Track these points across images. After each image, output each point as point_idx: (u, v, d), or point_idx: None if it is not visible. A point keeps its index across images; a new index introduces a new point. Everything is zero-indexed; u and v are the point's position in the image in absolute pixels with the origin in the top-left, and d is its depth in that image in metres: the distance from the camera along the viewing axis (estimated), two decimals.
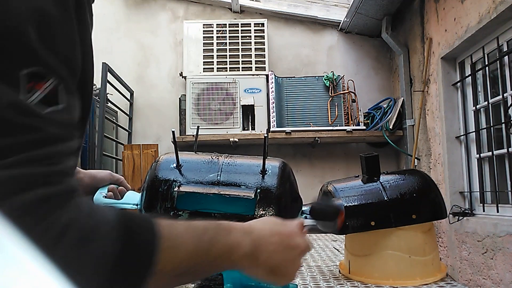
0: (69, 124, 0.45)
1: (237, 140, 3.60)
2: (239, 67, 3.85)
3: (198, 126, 1.10)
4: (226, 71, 3.84)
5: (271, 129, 3.60)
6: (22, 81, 0.39)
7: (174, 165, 0.84)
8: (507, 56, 2.35)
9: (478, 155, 2.68)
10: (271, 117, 3.66)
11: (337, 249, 1.56)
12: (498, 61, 2.44)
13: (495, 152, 2.50)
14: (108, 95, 3.62)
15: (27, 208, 0.38)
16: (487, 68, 2.57)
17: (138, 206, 0.85)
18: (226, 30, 3.92)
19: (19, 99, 0.39)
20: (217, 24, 3.93)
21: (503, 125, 2.39)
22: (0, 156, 0.38)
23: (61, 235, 0.40)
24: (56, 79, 0.42)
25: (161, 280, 0.48)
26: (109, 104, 3.78)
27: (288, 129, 3.62)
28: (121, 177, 0.96)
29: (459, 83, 2.87)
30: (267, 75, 3.78)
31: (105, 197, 0.88)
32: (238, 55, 3.88)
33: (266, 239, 0.60)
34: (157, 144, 3.76)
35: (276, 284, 0.64)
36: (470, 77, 2.78)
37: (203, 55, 3.87)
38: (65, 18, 0.44)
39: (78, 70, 0.47)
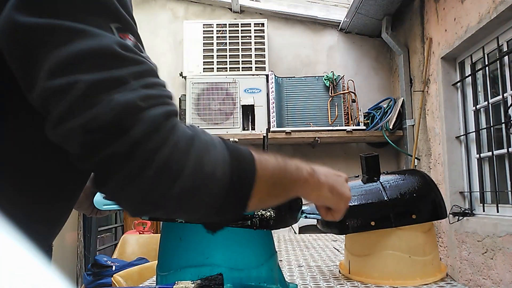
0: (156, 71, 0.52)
1: (237, 140, 3.60)
2: (239, 67, 3.85)
3: (198, 126, 1.10)
4: (226, 71, 3.84)
5: (271, 129, 3.60)
6: (114, 30, 0.48)
7: None
8: (507, 56, 2.35)
9: (478, 155, 2.69)
10: (271, 117, 3.66)
11: (337, 249, 1.56)
12: (498, 61, 2.44)
13: (495, 152, 2.50)
14: None
15: (158, 121, 0.46)
16: (487, 68, 2.57)
17: None
18: (226, 30, 3.92)
19: (122, 40, 0.47)
20: (217, 24, 3.93)
21: (503, 125, 2.39)
22: (123, 83, 0.45)
23: (191, 143, 0.48)
24: (135, 36, 0.51)
25: (259, 193, 0.54)
26: None
27: (288, 129, 3.62)
28: None
29: (459, 83, 2.87)
30: (267, 75, 3.78)
31: (105, 198, 0.88)
32: (238, 55, 3.88)
33: (317, 167, 0.68)
34: None
35: (338, 206, 0.70)
36: (470, 77, 2.78)
37: (203, 55, 3.87)
38: None
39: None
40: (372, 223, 0.98)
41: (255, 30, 3.91)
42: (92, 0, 0.47)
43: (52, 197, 0.57)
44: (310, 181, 0.63)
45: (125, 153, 0.44)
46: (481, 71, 2.67)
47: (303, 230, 3.48)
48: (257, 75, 3.82)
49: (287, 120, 3.74)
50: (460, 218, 2.63)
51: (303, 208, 0.87)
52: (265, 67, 3.84)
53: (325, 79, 3.78)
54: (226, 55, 3.88)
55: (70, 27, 0.44)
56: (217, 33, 3.91)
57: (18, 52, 0.45)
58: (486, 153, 2.62)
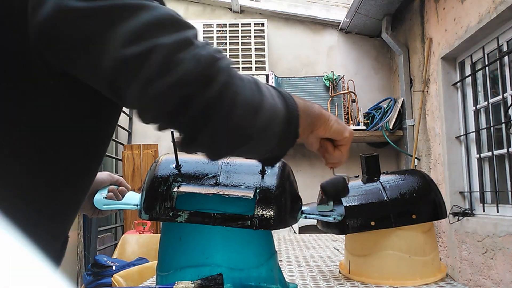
0: None
1: None
2: (239, 67, 3.85)
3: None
4: None
5: None
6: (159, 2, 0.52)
7: (174, 165, 0.84)
8: (507, 56, 2.35)
9: (478, 155, 2.69)
10: None
11: (337, 249, 1.56)
12: (498, 61, 2.44)
13: (495, 152, 2.50)
14: None
15: (231, 69, 0.52)
16: (487, 68, 2.57)
17: (138, 206, 0.85)
18: (226, 30, 3.92)
19: (172, 9, 0.51)
20: (217, 24, 3.93)
21: (503, 125, 2.39)
22: (192, 42, 0.49)
23: (258, 85, 0.56)
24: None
25: (301, 125, 0.62)
26: None
27: None
28: (121, 177, 0.96)
29: (459, 83, 2.87)
30: (267, 75, 3.78)
31: (106, 198, 0.89)
32: (238, 55, 3.88)
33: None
34: (157, 144, 3.76)
35: (344, 135, 0.73)
36: (470, 77, 2.78)
37: None
38: None
39: None
40: (372, 223, 0.98)
41: (255, 30, 3.92)
42: None
43: (67, 184, 0.60)
44: (321, 115, 0.69)
45: (217, 97, 0.49)
46: (481, 71, 2.67)
47: (303, 230, 3.48)
48: (257, 75, 3.81)
49: None
50: (460, 218, 2.63)
51: (303, 208, 0.87)
52: (265, 67, 3.84)
53: (325, 79, 3.78)
54: (226, 55, 3.88)
55: (128, 4, 0.48)
56: (217, 33, 3.91)
57: (80, 35, 0.47)
58: (486, 153, 2.62)
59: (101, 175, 0.92)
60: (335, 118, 0.73)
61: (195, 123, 0.51)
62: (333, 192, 0.81)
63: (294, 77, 3.89)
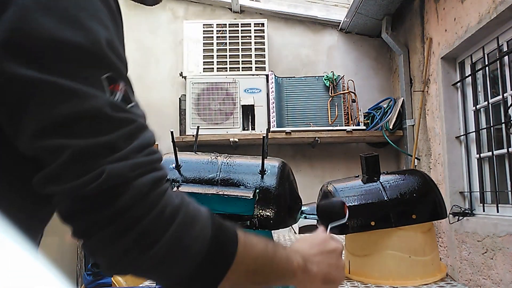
0: (144, 117, 0.52)
1: (237, 140, 3.60)
2: (239, 67, 3.85)
3: (198, 126, 1.10)
4: (226, 71, 3.84)
5: (271, 129, 3.60)
6: (105, 84, 0.47)
7: (174, 165, 0.84)
8: (507, 56, 2.35)
9: (478, 155, 2.68)
10: (271, 117, 3.66)
11: None
12: (498, 61, 2.44)
13: (495, 152, 2.50)
14: None
15: (145, 191, 0.46)
16: (487, 68, 2.57)
17: None
18: (226, 30, 3.92)
19: (113, 100, 0.47)
20: (217, 24, 3.93)
21: (503, 125, 2.39)
22: (113, 149, 0.45)
23: (176, 214, 0.48)
24: (125, 81, 0.50)
25: (235, 276, 0.53)
26: None
27: (288, 129, 3.62)
28: None
29: (459, 83, 2.87)
30: (267, 75, 3.78)
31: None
32: (238, 55, 3.87)
33: (310, 253, 0.66)
34: (157, 144, 3.76)
35: None
36: (470, 77, 2.78)
37: (203, 55, 3.87)
38: (119, 29, 0.52)
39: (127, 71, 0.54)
40: (372, 223, 0.98)
41: (255, 30, 3.91)
42: (84, 51, 0.46)
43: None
44: (299, 276, 0.61)
45: (108, 220, 0.45)
46: (481, 71, 2.67)
47: (303, 230, 3.48)
48: (257, 75, 3.81)
49: (287, 120, 3.74)
50: (460, 218, 2.63)
51: (303, 208, 0.87)
52: (265, 67, 3.84)
53: (325, 79, 3.78)
54: (226, 55, 3.88)
55: (64, 86, 0.44)
56: (217, 33, 3.91)
57: (9, 99, 0.45)
58: (486, 153, 2.62)
59: None
60: (324, 274, 0.65)
61: (81, 232, 0.47)
62: (327, 216, 0.79)
63: (294, 77, 3.89)
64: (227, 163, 0.84)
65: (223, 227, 0.54)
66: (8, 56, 0.44)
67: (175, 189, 0.79)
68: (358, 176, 1.12)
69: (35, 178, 0.46)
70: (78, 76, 0.45)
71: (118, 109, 0.47)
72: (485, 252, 2.33)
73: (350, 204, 1.00)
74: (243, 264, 0.53)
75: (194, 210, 0.51)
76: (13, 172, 0.50)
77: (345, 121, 3.72)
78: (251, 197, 0.76)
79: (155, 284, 0.90)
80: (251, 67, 3.84)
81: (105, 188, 0.44)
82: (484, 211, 2.59)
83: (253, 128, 3.69)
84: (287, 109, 3.77)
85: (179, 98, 3.86)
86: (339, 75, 3.83)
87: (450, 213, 2.67)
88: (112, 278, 1.48)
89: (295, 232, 3.41)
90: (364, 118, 3.80)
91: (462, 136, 2.83)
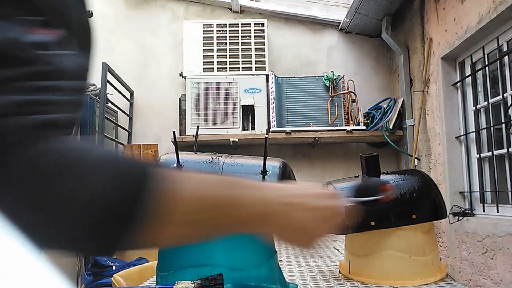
0: (69, 75, 0.46)
1: (237, 140, 3.60)
2: (239, 67, 3.85)
3: (198, 126, 1.10)
4: (226, 71, 3.84)
5: (271, 129, 3.60)
6: (23, 25, 0.42)
7: (175, 165, 0.84)
8: (507, 56, 2.35)
9: (478, 155, 2.69)
10: (271, 117, 3.66)
11: (337, 249, 1.56)
12: (498, 61, 2.44)
13: (495, 152, 2.50)
14: (108, 95, 3.62)
15: (24, 131, 0.39)
16: (487, 68, 2.57)
17: None
18: (226, 30, 3.92)
19: (23, 36, 0.42)
20: (217, 24, 3.93)
21: (503, 125, 2.39)
22: (5, 83, 0.39)
23: (33, 163, 0.39)
24: (54, 27, 0.45)
25: (172, 227, 0.44)
26: (109, 104, 3.79)
27: (288, 129, 3.62)
28: None
29: (459, 83, 2.87)
30: (267, 75, 3.78)
31: None
32: (238, 55, 3.88)
33: (283, 200, 0.54)
34: (157, 144, 3.76)
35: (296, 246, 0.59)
36: (470, 77, 2.78)
37: (203, 55, 3.87)
38: None
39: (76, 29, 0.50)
40: (372, 223, 0.98)
41: (255, 30, 3.91)
42: None
43: None
44: (272, 223, 0.52)
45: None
46: (481, 71, 2.67)
47: None
48: (257, 75, 3.82)
49: (287, 120, 3.74)
50: (460, 218, 2.63)
51: None
52: (265, 67, 3.84)
53: (325, 79, 3.78)
54: (226, 55, 3.88)
55: None
56: (217, 33, 3.91)
57: None
58: (486, 153, 2.62)
59: None
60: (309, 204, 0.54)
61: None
62: (363, 192, 0.75)
63: (294, 77, 3.89)
64: (229, 163, 0.84)
65: (138, 166, 0.44)
66: None
67: None
68: (358, 176, 1.12)
69: None
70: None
71: (27, 47, 0.42)
72: (485, 252, 2.33)
73: (350, 204, 1.00)
74: (178, 213, 0.44)
75: (92, 155, 0.42)
76: None
77: (345, 121, 3.72)
78: None
79: (155, 284, 0.90)
80: (251, 67, 3.84)
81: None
82: (484, 211, 2.59)
83: (253, 128, 3.69)
84: (287, 109, 3.77)
85: (179, 98, 3.86)
86: (339, 75, 3.83)
87: (450, 213, 2.67)
88: (112, 278, 1.48)
89: None
90: (364, 118, 3.80)
91: (462, 136, 2.83)
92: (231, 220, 0.49)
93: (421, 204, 1.01)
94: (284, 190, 0.56)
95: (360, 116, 3.80)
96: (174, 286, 0.75)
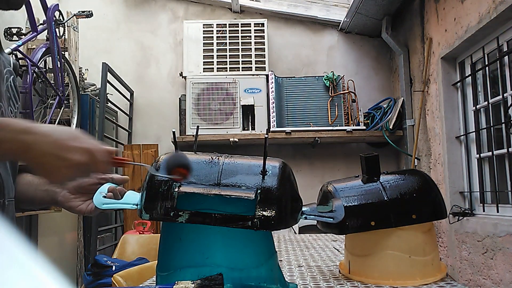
0: None
1: (237, 140, 3.60)
2: (239, 67, 3.85)
3: (198, 126, 1.10)
4: (226, 71, 3.84)
5: (271, 129, 3.60)
6: None
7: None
8: (507, 56, 2.35)
9: (478, 155, 2.69)
10: (271, 117, 3.66)
11: (337, 249, 1.56)
12: (498, 61, 2.44)
13: (495, 152, 2.50)
14: (108, 95, 3.62)
15: None
16: (487, 68, 2.57)
17: (138, 206, 0.85)
18: (226, 30, 3.92)
19: None
20: (217, 24, 3.93)
21: (503, 125, 2.39)
22: None
23: None
24: None
25: None
26: (109, 104, 3.79)
27: (288, 129, 3.62)
28: (120, 176, 0.96)
29: (459, 83, 2.87)
30: (267, 75, 3.78)
31: (105, 197, 0.89)
32: (238, 55, 3.88)
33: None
34: (157, 144, 3.76)
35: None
36: (470, 77, 2.78)
37: (203, 55, 3.87)
38: None
39: None
40: (372, 223, 0.98)
41: (255, 30, 3.91)
42: None
43: None
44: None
45: None
46: (481, 71, 2.67)
47: (303, 230, 3.48)
48: (257, 75, 3.82)
49: (287, 120, 3.74)
50: (460, 218, 2.63)
51: (303, 209, 0.87)
52: (265, 67, 3.84)
53: (325, 79, 3.78)
54: (226, 55, 3.88)
55: None
56: (217, 33, 3.91)
57: None
58: (486, 153, 2.62)
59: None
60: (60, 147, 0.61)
61: None
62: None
63: (294, 77, 3.89)
64: (228, 164, 0.84)
65: None
66: None
67: (176, 189, 0.79)
68: (358, 176, 1.11)
69: None
70: None
71: None
72: (485, 252, 2.33)
73: (350, 204, 1.00)
74: None
75: None
76: None
77: (345, 121, 3.72)
78: (253, 197, 0.76)
79: (155, 284, 0.90)
80: (251, 67, 3.84)
81: None
82: (484, 211, 2.59)
83: (253, 128, 3.69)
84: (287, 109, 3.77)
85: (179, 98, 3.86)
86: (339, 75, 3.83)
87: (450, 213, 2.67)
88: (112, 278, 1.48)
89: (295, 232, 3.41)
90: (364, 118, 3.80)
91: (462, 136, 2.83)
92: None
93: (421, 204, 1.01)
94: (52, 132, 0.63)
95: (360, 116, 3.80)
96: (174, 286, 0.75)
